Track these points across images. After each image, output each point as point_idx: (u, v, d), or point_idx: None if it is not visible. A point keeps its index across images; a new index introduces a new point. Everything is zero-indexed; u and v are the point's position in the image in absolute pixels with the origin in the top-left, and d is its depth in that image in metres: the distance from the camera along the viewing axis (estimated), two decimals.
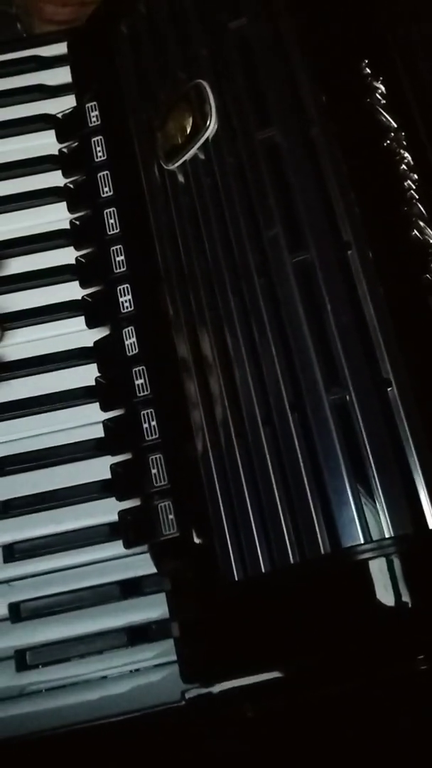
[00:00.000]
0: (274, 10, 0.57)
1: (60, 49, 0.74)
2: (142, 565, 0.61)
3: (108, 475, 0.63)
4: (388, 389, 0.51)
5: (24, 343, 0.66)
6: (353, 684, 0.55)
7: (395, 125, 0.56)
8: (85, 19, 0.73)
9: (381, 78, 0.57)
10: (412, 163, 0.55)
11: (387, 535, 0.50)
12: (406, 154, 0.55)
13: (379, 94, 0.56)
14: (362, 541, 0.50)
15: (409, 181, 0.55)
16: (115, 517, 0.62)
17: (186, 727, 0.59)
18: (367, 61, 0.57)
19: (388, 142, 0.55)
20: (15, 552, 0.62)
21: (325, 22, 0.58)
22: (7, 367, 0.65)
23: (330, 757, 0.59)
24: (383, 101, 0.56)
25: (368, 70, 0.57)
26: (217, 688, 0.58)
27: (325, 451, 0.51)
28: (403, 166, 0.55)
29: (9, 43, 0.75)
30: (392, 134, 0.56)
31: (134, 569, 0.62)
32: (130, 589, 0.62)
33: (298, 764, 0.59)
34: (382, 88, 0.56)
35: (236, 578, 0.55)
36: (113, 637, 0.61)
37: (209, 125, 0.58)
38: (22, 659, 0.60)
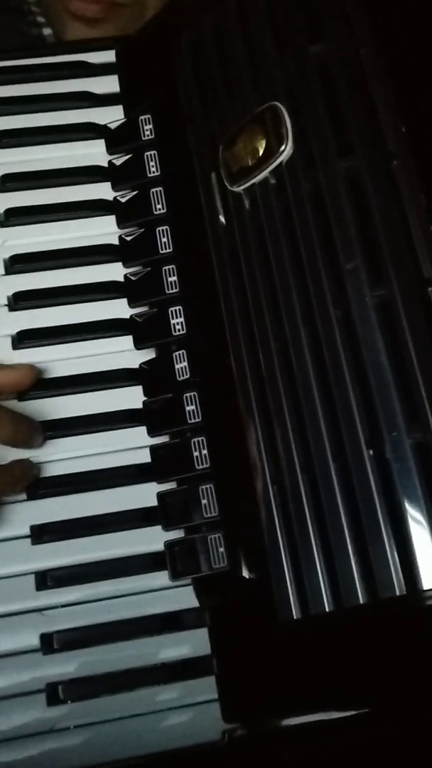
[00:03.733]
0: (357, 38, 0.56)
1: (108, 56, 0.71)
2: (182, 598, 0.59)
3: (149, 503, 0.61)
4: None
5: (67, 359, 0.64)
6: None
7: None
8: (138, 28, 0.71)
9: None
10: None
11: None
12: None
13: None
14: None
15: None
16: (153, 548, 0.60)
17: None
18: None
19: None
20: (48, 579, 0.60)
21: (403, 52, 0.57)
22: (49, 384, 0.63)
23: None
24: None
25: None
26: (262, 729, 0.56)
27: (404, 490, 0.50)
28: None
29: (53, 46, 0.73)
30: None
31: (172, 603, 0.60)
32: (169, 623, 0.59)
33: None
34: None
35: (294, 616, 0.53)
36: (150, 674, 0.58)
37: (284, 149, 0.56)
38: (53, 693, 0.57)
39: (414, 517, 0.49)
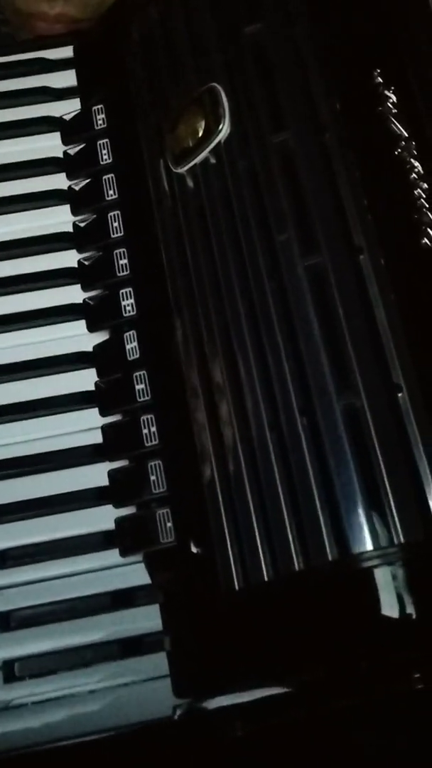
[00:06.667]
0: (291, 17, 0.57)
1: (66, 52, 0.73)
2: (135, 575, 0.60)
3: (104, 483, 0.61)
4: (399, 394, 0.51)
5: (22, 345, 0.65)
6: (355, 700, 0.54)
7: (406, 134, 0.56)
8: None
9: (392, 88, 0.56)
10: (422, 172, 0.55)
11: (397, 542, 0.49)
12: (416, 164, 0.55)
13: (391, 104, 0.56)
14: (371, 548, 0.49)
15: (419, 190, 0.55)
16: (109, 526, 0.61)
17: (177, 743, 0.57)
18: (379, 71, 0.57)
19: (399, 150, 0.55)
20: (5, 559, 0.60)
21: (340, 31, 0.58)
22: (4, 369, 0.64)
23: None
24: (394, 110, 0.56)
25: (380, 80, 0.57)
26: (211, 704, 0.56)
27: (334, 455, 0.50)
28: (414, 175, 0.55)
29: (15, 45, 0.75)
30: (403, 143, 0.55)
31: (127, 580, 0.60)
32: (123, 600, 0.60)
33: None
34: (394, 97, 0.56)
35: (236, 587, 0.54)
36: (104, 650, 0.59)
37: (222, 128, 0.57)
38: (10, 670, 0.58)
39: (343, 481, 0.50)
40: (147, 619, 0.59)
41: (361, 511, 0.49)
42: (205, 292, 0.58)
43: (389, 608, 0.50)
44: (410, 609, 0.50)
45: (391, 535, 0.49)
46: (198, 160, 0.59)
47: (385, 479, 0.49)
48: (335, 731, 0.56)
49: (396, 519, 0.49)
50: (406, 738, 0.57)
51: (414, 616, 0.50)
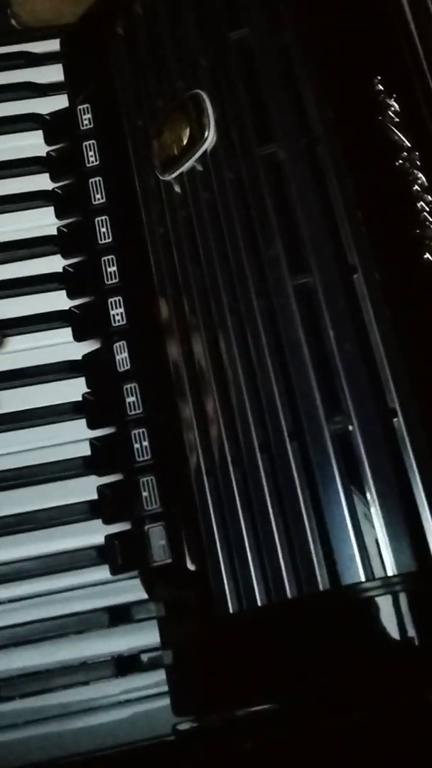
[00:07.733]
0: (280, 21, 0.54)
1: (51, 46, 0.71)
2: (132, 590, 0.59)
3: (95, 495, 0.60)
4: (394, 419, 0.49)
5: (9, 353, 0.63)
6: (353, 718, 0.53)
7: (409, 144, 0.53)
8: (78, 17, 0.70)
9: (394, 95, 0.54)
10: (426, 183, 0.53)
11: (390, 573, 0.48)
12: (420, 175, 0.53)
13: (392, 112, 0.54)
14: (363, 579, 0.48)
15: (422, 203, 0.52)
16: (100, 540, 0.60)
17: (177, 763, 0.57)
18: (379, 78, 0.54)
19: (401, 161, 0.53)
20: None
21: (335, 36, 0.55)
22: None
23: None
24: (396, 119, 0.54)
25: (381, 87, 0.54)
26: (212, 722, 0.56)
27: (324, 482, 0.49)
28: (416, 187, 0.53)
29: None
30: (405, 153, 0.53)
31: (124, 595, 0.60)
32: (119, 615, 0.59)
33: None
34: (396, 105, 0.54)
35: (231, 610, 0.53)
36: (100, 667, 0.58)
37: (207, 137, 0.55)
38: None
39: (334, 509, 0.48)
40: (145, 634, 0.59)
41: (352, 542, 0.48)
42: (194, 307, 0.56)
43: (385, 636, 0.49)
44: (407, 637, 0.49)
45: (383, 566, 0.47)
46: (184, 168, 0.56)
47: (378, 508, 0.48)
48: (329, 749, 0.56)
49: (389, 550, 0.47)
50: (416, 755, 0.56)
51: (414, 644, 0.49)
